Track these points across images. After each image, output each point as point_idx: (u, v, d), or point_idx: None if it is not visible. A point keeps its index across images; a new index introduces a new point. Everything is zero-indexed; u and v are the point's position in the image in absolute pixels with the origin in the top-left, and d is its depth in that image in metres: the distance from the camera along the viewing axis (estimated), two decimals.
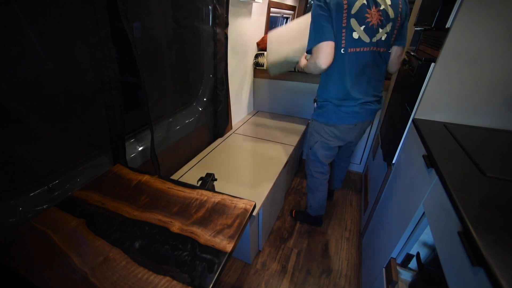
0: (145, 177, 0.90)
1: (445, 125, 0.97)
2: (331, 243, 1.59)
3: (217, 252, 0.62)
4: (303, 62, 1.33)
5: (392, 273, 0.85)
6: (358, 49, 1.03)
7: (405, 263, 0.89)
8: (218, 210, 0.75)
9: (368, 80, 1.12)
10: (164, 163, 1.36)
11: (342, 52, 1.03)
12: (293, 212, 1.77)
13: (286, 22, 3.36)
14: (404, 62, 1.29)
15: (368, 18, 0.98)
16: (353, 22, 0.98)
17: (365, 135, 2.04)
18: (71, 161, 0.98)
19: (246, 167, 1.50)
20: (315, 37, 1.02)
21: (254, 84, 2.27)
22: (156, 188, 0.85)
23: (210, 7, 1.38)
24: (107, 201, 0.79)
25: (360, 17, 0.98)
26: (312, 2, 1.01)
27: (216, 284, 0.56)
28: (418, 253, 0.83)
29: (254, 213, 1.14)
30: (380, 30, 1.02)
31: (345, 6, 0.95)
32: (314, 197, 1.52)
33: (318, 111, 1.25)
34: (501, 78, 0.88)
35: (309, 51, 1.08)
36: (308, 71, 1.19)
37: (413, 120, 1.04)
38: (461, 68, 0.91)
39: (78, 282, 0.56)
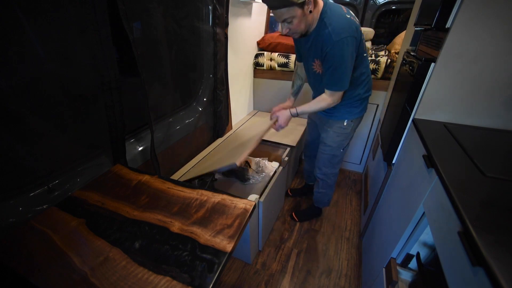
0: (145, 177, 0.90)
1: (445, 125, 0.97)
2: (331, 243, 1.59)
3: (217, 252, 0.62)
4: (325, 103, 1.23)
5: (392, 273, 0.85)
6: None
7: (405, 263, 0.89)
8: (218, 210, 0.75)
9: None
10: (164, 163, 1.36)
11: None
12: (293, 214, 1.77)
13: None
14: (404, 62, 1.29)
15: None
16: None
17: (365, 135, 2.04)
18: (71, 161, 0.98)
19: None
20: (345, 81, 1.10)
21: (254, 84, 2.27)
22: (156, 188, 0.85)
23: (210, 7, 1.38)
24: (107, 201, 0.79)
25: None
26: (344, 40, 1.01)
27: (216, 284, 0.55)
28: (418, 253, 0.83)
29: (254, 213, 1.14)
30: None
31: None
32: (332, 190, 1.63)
33: (356, 110, 1.30)
34: (501, 78, 0.88)
35: (333, 89, 1.15)
36: (319, 107, 1.27)
37: (413, 120, 1.04)
38: (461, 68, 0.90)
39: (78, 282, 0.56)
